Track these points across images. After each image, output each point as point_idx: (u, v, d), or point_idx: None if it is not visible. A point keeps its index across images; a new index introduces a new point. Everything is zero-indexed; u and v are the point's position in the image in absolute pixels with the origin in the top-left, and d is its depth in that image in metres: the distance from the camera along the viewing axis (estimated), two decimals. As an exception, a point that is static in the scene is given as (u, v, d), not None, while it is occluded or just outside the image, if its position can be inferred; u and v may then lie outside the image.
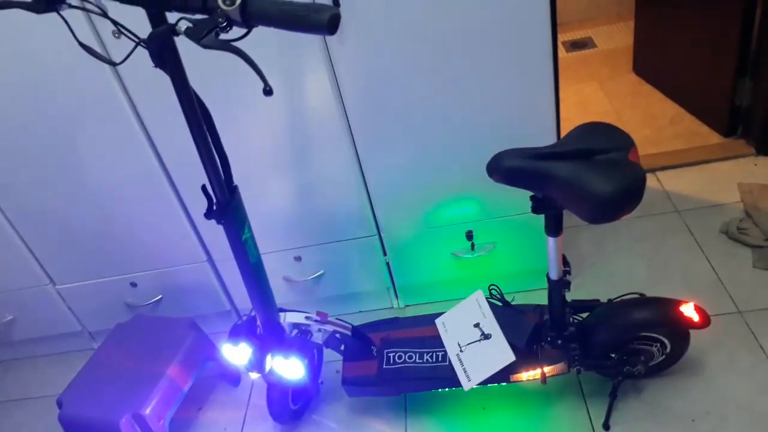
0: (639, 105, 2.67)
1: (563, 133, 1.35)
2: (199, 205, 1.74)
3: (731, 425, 1.49)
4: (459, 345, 1.56)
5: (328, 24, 0.83)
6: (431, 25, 1.44)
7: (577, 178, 1.18)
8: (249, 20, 0.87)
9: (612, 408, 1.56)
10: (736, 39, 2.14)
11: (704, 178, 2.22)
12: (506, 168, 1.25)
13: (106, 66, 1.51)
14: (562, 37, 3.28)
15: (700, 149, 2.34)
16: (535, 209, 1.32)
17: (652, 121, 2.55)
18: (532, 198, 1.32)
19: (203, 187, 1.22)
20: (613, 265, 1.98)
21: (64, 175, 1.72)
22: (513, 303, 1.63)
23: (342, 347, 1.62)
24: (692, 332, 1.52)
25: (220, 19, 0.88)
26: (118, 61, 1.14)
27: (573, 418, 1.59)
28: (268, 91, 0.84)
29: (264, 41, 1.45)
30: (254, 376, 1.54)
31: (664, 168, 2.30)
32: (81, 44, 1.07)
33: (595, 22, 3.37)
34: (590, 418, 1.58)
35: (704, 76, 2.37)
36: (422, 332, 1.65)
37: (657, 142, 2.42)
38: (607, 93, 2.79)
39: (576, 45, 3.22)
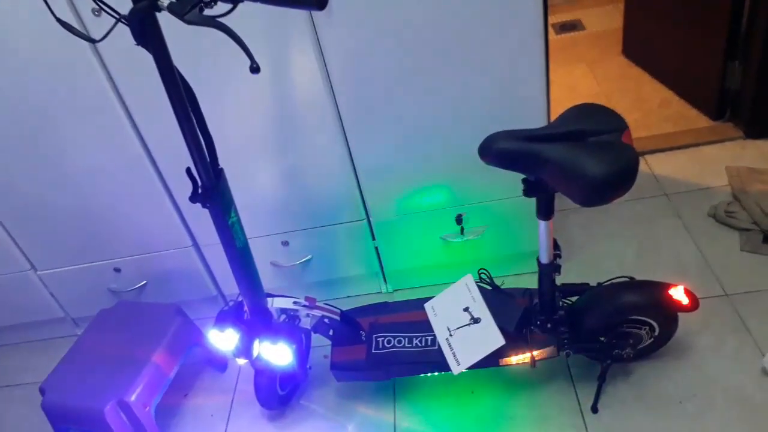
0: (628, 88, 2.66)
1: (553, 116, 1.33)
2: (183, 188, 1.71)
3: (718, 407, 1.50)
4: (448, 329, 1.55)
5: (317, -1, 0.81)
6: (421, 6, 1.41)
7: (570, 160, 1.16)
8: (234, -5, 0.85)
9: (600, 391, 1.56)
10: (725, 22, 2.13)
11: (693, 161, 2.23)
12: (498, 150, 1.23)
13: (86, 45, 1.46)
14: (551, 20, 3.26)
15: (689, 133, 2.34)
16: (527, 192, 1.31)
17: (641, 104, 2.55)
18: (524, 181, 1.30)
19: (188, 170, 1.19)
20: (602, 249, 1.97)
21: (45, 158, 1.67)
22: (502, 287, 1.63)
23: (330, 332, 1.61)
24: (680, 315, 1.53)
25: (204, -6, 0.85)
26: (98, 38, 1.11)
27: (562, 401, 1.60)
28: (255, 69, 0.82)
29: (249, 19, 1.42)
30: (241, 362, 1.53)
31: (653, 151, 2.30)
32: (59, 20, 1.03)
33: (584, 4, 3.35)
34: (579, 401, 1.59)
35: (693, 59, 2.37)
36: (411, 317, 1.64)
37: (646, 126, 2.42)
38: (596, 75, 2.78)
39: (565, 27, 3.20)
